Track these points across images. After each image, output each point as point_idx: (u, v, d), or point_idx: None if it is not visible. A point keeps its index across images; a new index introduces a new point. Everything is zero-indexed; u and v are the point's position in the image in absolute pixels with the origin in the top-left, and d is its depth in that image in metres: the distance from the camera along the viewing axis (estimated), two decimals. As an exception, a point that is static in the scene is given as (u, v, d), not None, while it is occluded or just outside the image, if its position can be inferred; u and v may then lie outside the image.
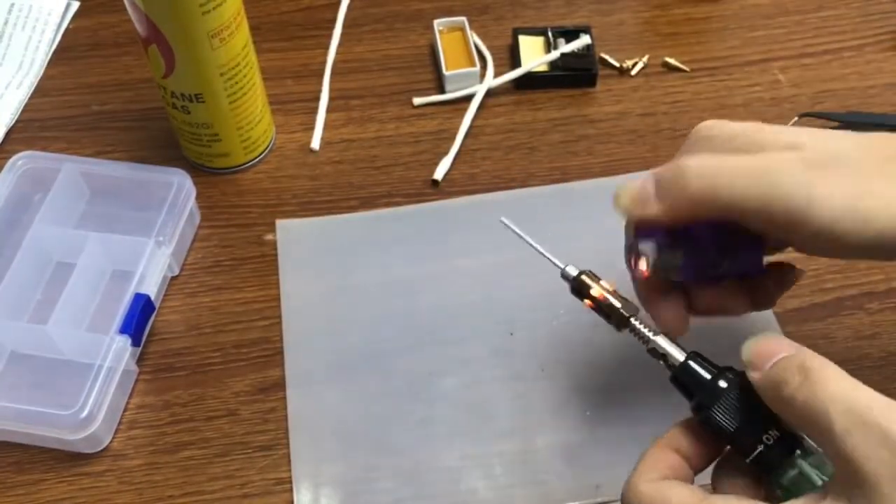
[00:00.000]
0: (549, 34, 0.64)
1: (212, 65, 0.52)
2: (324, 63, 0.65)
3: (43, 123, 0.62)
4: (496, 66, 0.63)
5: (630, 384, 0.49)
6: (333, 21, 0.67)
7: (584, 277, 0.38)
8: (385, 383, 0.50)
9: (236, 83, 0.54)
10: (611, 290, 0.38)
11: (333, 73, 0.64)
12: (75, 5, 0.69)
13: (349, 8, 0.68)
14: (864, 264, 0.54)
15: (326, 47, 0.66)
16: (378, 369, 0.50)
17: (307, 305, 0.53)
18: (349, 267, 0.54)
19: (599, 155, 0.60)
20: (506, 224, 0.39)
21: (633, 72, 0.64)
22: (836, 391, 0.30)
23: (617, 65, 0.64)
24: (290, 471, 0.47)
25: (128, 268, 0.51)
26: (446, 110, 0.62)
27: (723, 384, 0.35)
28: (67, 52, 0.66)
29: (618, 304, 0.38)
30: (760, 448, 0.34)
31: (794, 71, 0.64)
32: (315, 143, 0.60)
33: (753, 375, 0.33)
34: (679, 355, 0.37)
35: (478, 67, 0.62)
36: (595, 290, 0.38)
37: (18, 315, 0.51)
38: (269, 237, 0.56)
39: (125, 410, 0.49)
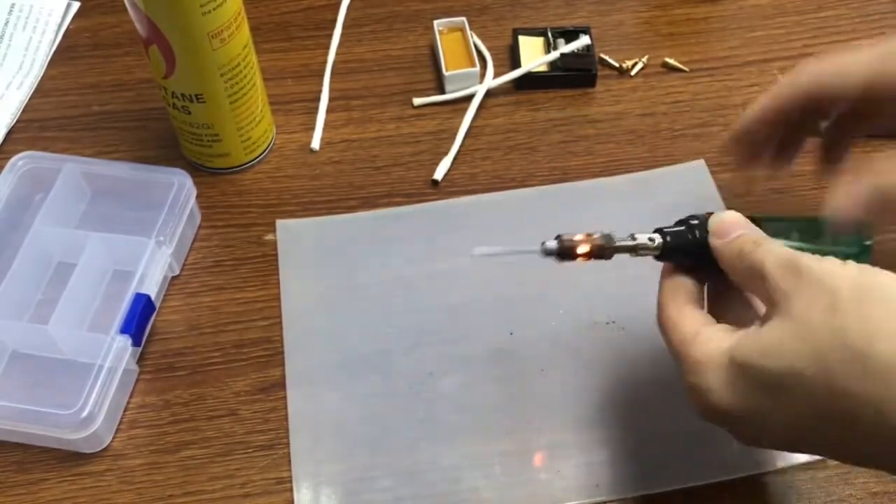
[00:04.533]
0: (549, 34, 0.64)
1: (212, 65, 0.52)
2: (324, 63, 0.65)
3: (43, 124, 0.62)
4: (496, 66, 0.63)
5: (629, 384, 0.49)
6: (334, 21, 0.67)
7: (565, 243, 0.40)
8: (385, 383, 0.50)
9: (237, 83, 0.54)
10: (587, 238, 0.41)
11: (333, 74, 0.64)
12: (76, 6, 0.69)
13: (349, 8, 0.69)
14: (864, 264, 0.54)
15: (327, 48, 0.66)
16: (378, 369, 0.50)
17: (307, 305, 0.53)
18: (349, 267, 0.54)
19: (599, 155, 0.60)
20: (480, 255, 0.41)
21: (633, 72, 0.64)
22: (777, 251, 0.36)
23: (616, 65, 0.64)
24: (290, 470, 0.47)
25: (128, 268, 0.51)
26: (446, 110, 0.62)
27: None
28: (68, 52, 0.67)
29: (602, 243, 0.41)
30: None
31: (793, 71, 0.64)
32: (315, 144, 0.60)
33: (716, 242, 0.39)
34: (657, 236, 0.41)
35: (478, 68, 0.62)
36: (581, 247, 0.41)
37: (19, 315, 0.51)
38: (269, 237, 0.56)
39: (126, 410, 0.49)
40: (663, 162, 0.59)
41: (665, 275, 0.41)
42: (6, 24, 0.67)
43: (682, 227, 0.41)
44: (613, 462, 0.47)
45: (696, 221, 0.41)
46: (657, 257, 0.42)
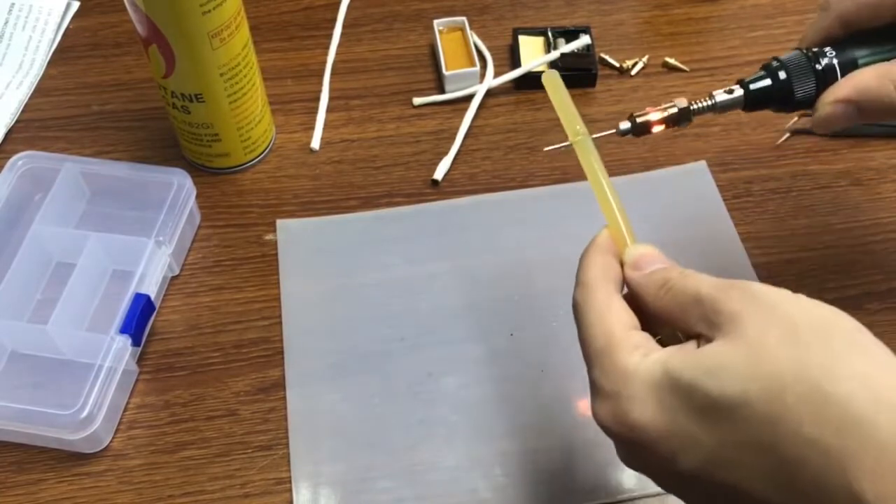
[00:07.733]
0: (549, 34, 0.64)
1: (212, 65, 0.52)
2: (324, 63, 0.65)
3: (43, 123, 0.62)
4: (496, 66, 0.63)
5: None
6: (333, 21, 0.67)
7: (638, 120, 0.42)
8: (385, 383, 0.50)
9: (236, 83, 0.54)
10: (661, 109, 0.42)
11: (333, 73, 0.64)
12: (75, 5, 0.69)
13: (349, 8, 0.68)
14: (865, 264, 0.54)
15: (326, 47, 0.66)
16: (378, 369, 0.50)
17: (307, 305, 0.53)
18: (349, 267, 0.54)
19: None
20: (551, 149, 0.43)
21: (633, 72, 0.64)
22: (712, 278, 0.33)
23: (617, 65, 0.64)
24: (289, 470, 0.47)
25: (128, 268, 0.51)
26: (446, 110, 0.62)
27: (783, 68, 0.41)
28: (68, 52, 0.67)
29: (677, 114, 0.41)
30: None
31: (794, 71, 0.64)
32: (315, 143, 0.60)
33: (633, 274, 0.36)
34: (738, 89, 0.41)
35: (478, 67, 0.62)
36: (655, 116, 0.42)
37: (19, 315, 0.51)
38: (269, 237, 0.56)
39: (125, 410, 0.49)
40: (663, 162, 0.59)
41: (597, 250, 0.37)
42: (6, 23, 0.67)
43: (763, 73, 0.41)
44: (613, 462, 0.46)
45: (776, 63, 0.41)
46: (745, 108, 0.41)
